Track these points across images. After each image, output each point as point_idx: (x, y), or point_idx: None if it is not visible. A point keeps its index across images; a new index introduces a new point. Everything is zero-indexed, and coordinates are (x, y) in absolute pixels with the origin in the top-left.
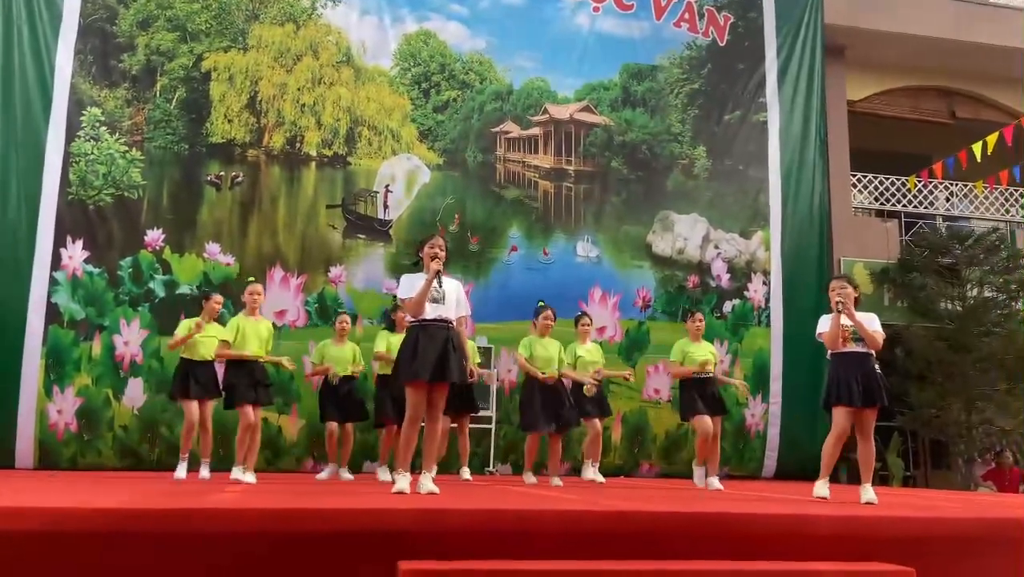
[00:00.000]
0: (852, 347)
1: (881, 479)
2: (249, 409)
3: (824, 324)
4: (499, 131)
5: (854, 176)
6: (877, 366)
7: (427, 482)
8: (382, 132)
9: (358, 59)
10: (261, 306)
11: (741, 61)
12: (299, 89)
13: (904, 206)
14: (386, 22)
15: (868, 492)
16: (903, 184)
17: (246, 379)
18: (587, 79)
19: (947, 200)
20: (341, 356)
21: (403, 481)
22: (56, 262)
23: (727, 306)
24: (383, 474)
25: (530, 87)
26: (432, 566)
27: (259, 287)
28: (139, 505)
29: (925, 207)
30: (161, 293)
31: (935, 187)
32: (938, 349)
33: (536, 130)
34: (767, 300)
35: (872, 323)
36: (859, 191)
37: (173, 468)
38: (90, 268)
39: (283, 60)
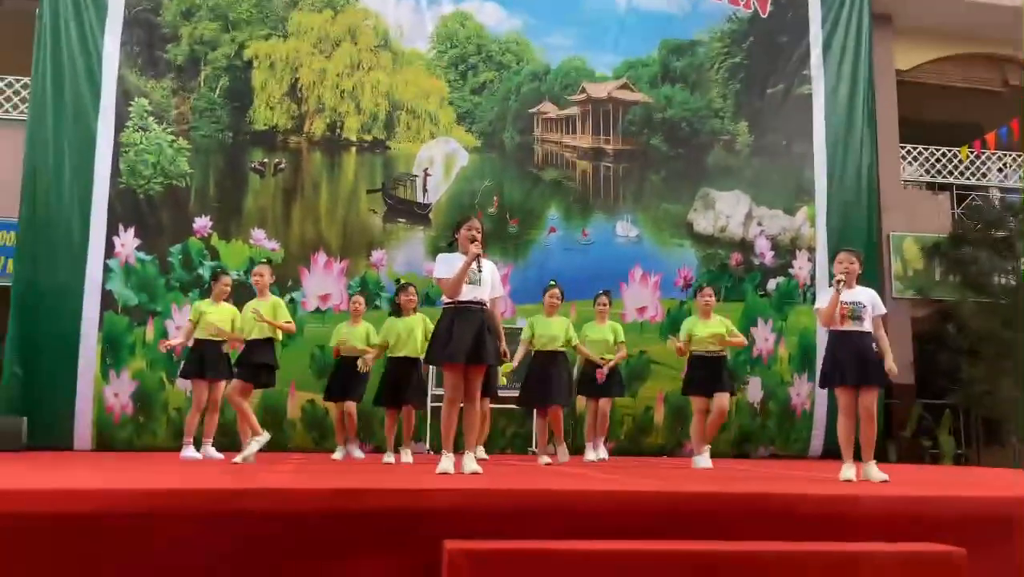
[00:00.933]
0: (850, 325)
1: (932, 457)
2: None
3: (823, 299)
4: (536, 112)
5: (903, 148)
6: (875, 345)
7: (470, 462)
8: (420, 116)
9: (395, 43)
10: (268, 286)
11: (784, 33)
12: (338, 75)
13: (956, 178)
14: (422, 4)
15: (871, 469)
16: (955, 155)
17: (242, 358)
18: (625, 56)
19: (1000, 171)
20: (354, 337)
21: (447, 461)
22: (109, 250)
23: (771, 284)
24: (387, 456)
25: (567, 66)
26: (477, 545)
27: (264, 268)
28: (190, 485)
29: (978, 179)
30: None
31: (988, 158)
32: (991, 324)
33: (574, 110)
34: (812, 277)
35: (877, 306)
36: (909, 163)
37: (223, 449)
38: (142, 255)
39: (322, 46)
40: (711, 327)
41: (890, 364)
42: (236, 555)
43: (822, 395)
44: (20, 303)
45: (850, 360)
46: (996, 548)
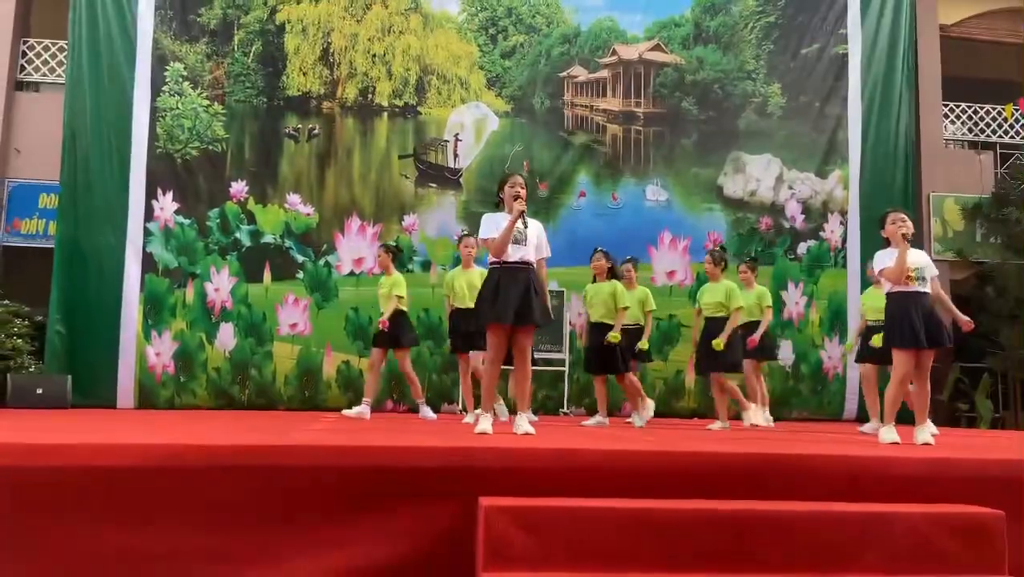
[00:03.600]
0: (915, 286)
1: (969, 421)
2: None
3: (887, 259)
4: (566, 76)
5: (946, 106)
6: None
7: (523, 423)
8: (451, 80)
9: (426, 6)
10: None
11: None
12: (370, 39)
13: (1000, 137)
14: None
15: (924, 433)
16: (999, 113)
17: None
18: (657, 16)
19: None
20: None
21: (486, 422)
22: (149, 213)
23: (802, 247)
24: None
25: (598, 28)
26: (512, 502)
27: (472, 240)
28: (235, 441)
29: (1023, 137)
30: (247, 242)
31: None
32: None
33: (604, 73)
34: (844, 240)
35: (931, 267)
36: (951, 122)
37: (261, 408)
38: (180, 219)
39: (353, 10)
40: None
41: (964, 318)
42: (276, 508)
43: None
44: (63, 265)
45: (919, 321)
46: None
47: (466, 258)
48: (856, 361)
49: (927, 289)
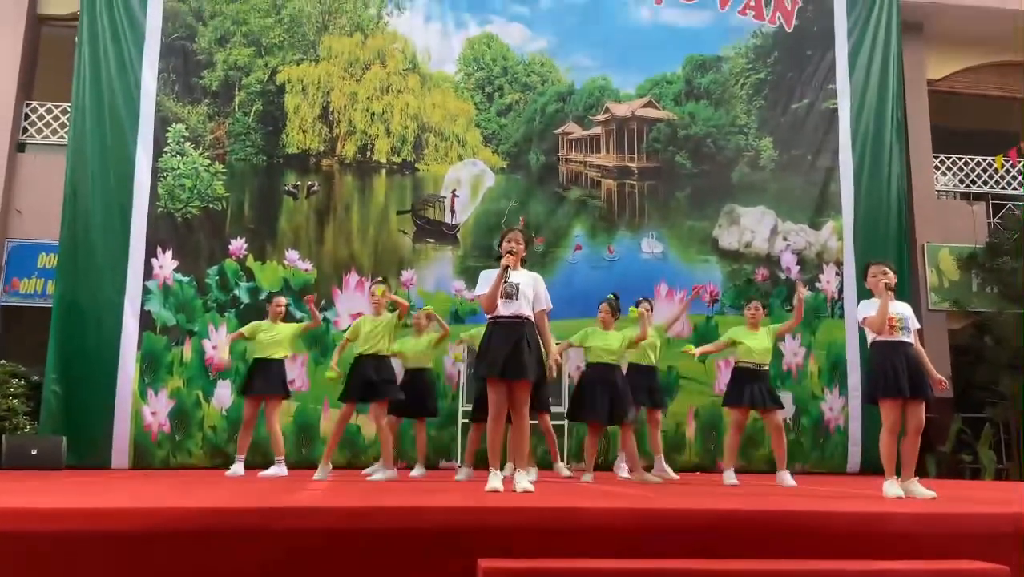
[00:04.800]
0: (899, 336)
1: (972, 472)
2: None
3: (869, 308)
4: (561, 132)
5: (936, 158)
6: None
7: (521, 480)
8: (448, 138)
9: (423, 66)
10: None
11: (810, 47)
12: (368, 98)
13: (991, 187)
14: (450, 28)
15: (915, 487)
16: (989, 164)
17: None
18: (649, 74)
19: None
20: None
21: (495, 479)
22: (148, 271)
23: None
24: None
25: (591, 86)
26: (511, 564)
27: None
28: (226, 504)
29: (1014, 188)
30: (246, 299)
31: None
32: None
33: (598, 129)
34: (840, 291)
35: (914, 319)
36: (943, 173)
37: (258, 467)
38: (179, 277)
39: (352, 70)
40: (760, 339)
41: (938, 376)
42: (269, 572)
43: (856, 409)
44: (60, 324)
45: (903, 371)
46: None
47: (374, 306)
48: (723, 404)
49: (911, 339)
